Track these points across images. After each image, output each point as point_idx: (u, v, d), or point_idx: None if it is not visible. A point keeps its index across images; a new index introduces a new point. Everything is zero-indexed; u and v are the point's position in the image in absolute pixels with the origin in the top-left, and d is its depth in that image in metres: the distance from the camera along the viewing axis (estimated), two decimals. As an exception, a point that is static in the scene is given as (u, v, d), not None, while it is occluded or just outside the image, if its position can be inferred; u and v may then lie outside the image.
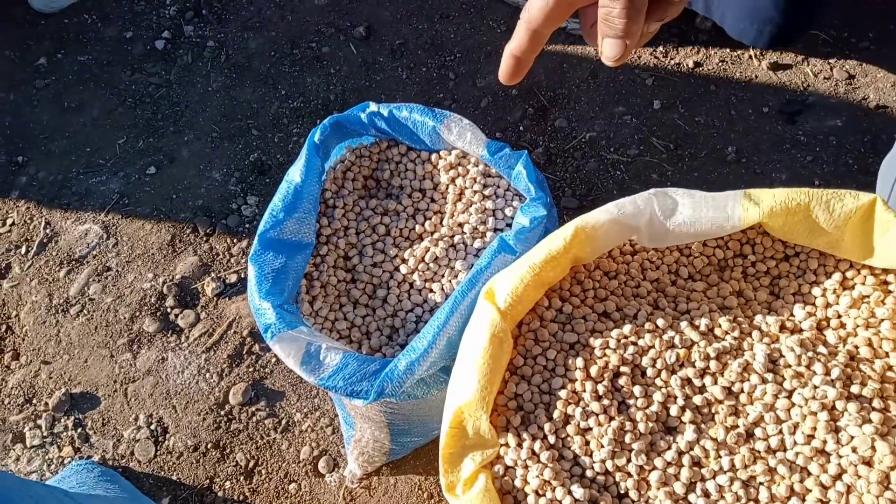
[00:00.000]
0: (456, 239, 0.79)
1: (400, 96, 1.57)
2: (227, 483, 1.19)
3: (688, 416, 0.57)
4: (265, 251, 0.74)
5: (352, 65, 1.64)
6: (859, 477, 0.51)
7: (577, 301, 0.63)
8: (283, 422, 1.23)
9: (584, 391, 0.58)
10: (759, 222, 0.59)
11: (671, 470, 0.55)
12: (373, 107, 0.84)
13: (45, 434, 1.28)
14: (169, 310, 1.37)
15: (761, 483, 0.54)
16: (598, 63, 1.58)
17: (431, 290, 0.78)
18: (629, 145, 1.47)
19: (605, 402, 0.57)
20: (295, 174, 0.79)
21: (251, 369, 1.29)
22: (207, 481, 1.20)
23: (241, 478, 1.19)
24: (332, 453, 1.19)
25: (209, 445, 1.22)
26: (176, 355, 1.33)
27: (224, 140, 1.57)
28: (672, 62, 1.55)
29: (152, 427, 1.27)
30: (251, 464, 1.20)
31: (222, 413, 1.25)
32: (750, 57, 1.54)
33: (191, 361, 1.31)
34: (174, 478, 1.22)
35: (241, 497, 1.18)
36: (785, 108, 1.47)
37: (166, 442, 1.25)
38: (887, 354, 0.58)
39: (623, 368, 0.58)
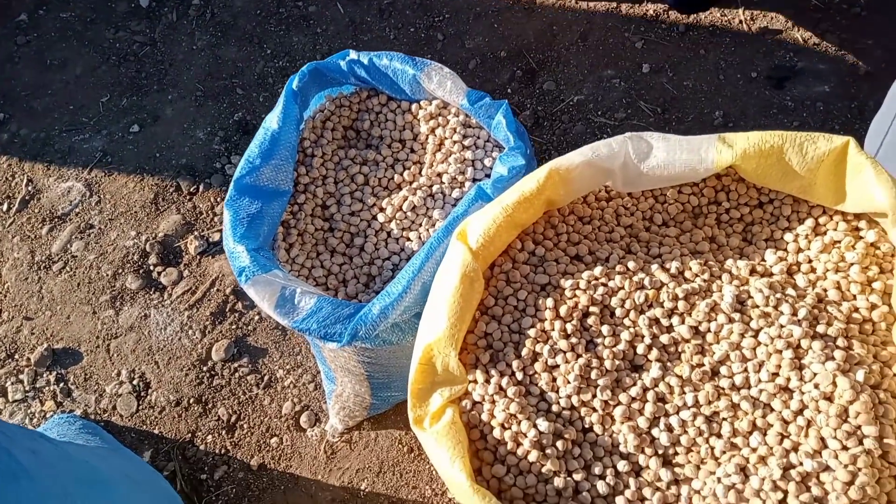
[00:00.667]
0: (434, 188, 0.79)
1: (387, 57, 1.55)
2: (209, 437, 1.20)
3: (654, 354, 0.57)
4: (241, 196, 0.74)
5: (339, 24, 1.62)
6: (820, 412, 0.52)
7: (550, 244, 0.63)
8: (266, 378, 1.24)
9: (553, 330, 0.58)
10: (732, 166, 0.59)
11: (635, 405, 0.56)
12: (353, 54, 0.83)
13: (27, 388, 1.28)
14: (152, 267, 1.37)
15: (724, 418, 0.55)
16: (587, 25, 1.56)
17: (409, 239, 0.78)
18: (617, 109, 1.46)
19: (573, 340, 0.58)
20: (272, 121, 0.78)
21: (234, 326, 1.29)
22: (189, 435, 1.21)
23: (223, 432, 1.20)
24: (314, 408, 1.20)
25: (191, 400, 1.23)
26: (159, 312, 1.33)
27: (208, 99, 1.55)
28: (662, 26, 1.54)
29: (135, 382, 1.27)
30: (233, 418, 1.21)
31: (205, 369, 1.26)
32: (740, 21, 1.52)
33: (173, 318, 1.31)
34: (156, 432, 1.22)
35: (223, 450, 1.19)
36: (773, 73, 1.46)
37: (148, 397, 1.25)
38: (854, 297, 0.58)
39: (592, 308, 0.59)
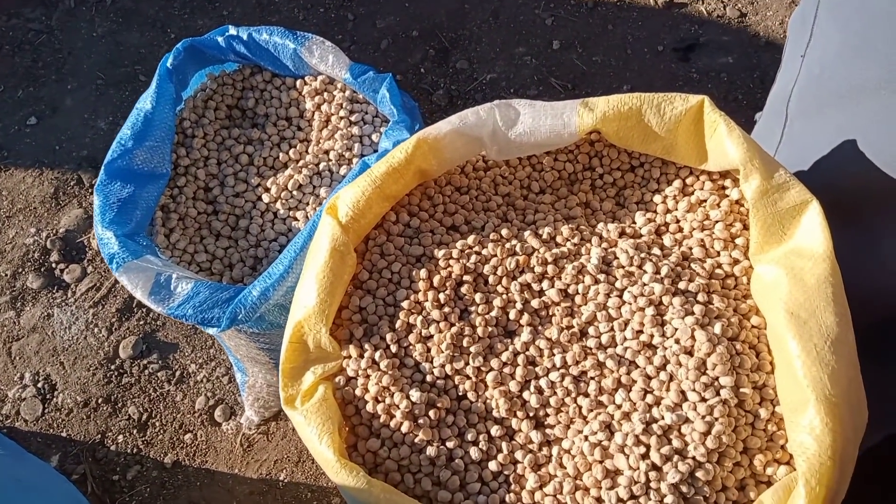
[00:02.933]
0: (321, 166, 0.77)
1: (297, 39, 1.52)
2: (120, 437, 1.16)
3: (525, 319, 0.57)
4: (112, 181, 0.71)
5: (245, 6, 1.57)
6: (680, 366, 0.53)
7: (425, 215, 0.63)
8: (177, 373, 1.20)
9: (427, 301, 0.58)
10: (595, 128, 0.59)
11: (507, 370, 0.56)
12: (232, 30, 0.80)
13: (-79, 398, 1.21)
14: (54, 265, 1.31)
15: (591, 377, 0.55)
16: (499, 3, 1.56)
17: (296, 219, 0.76)
18: (529, 86, 1.47)
19: (447, 309, 0.57)
20: (145, 102, 0.75)
21: (142, 322, 1.25)
22: (99, 436, 1.16)
23: (135, 431, 1.16)
24: (229, 402, 1.18)
25: (100, 400, 1.18)
26: (62, 311, 1.27)
27: (110, 87, 1.49)
28: (571, 2, 1.55)
29: (39, 385, 1.21)
30: (144, 416, 1.17)
31: (113, 367, 1.21)
32: (646, -4, 1.55)
33: (78, 317, 1.26)
34: (64, 434, 1.17)
35: (135, 450, 1.15)
36: (679, 46, 1.49)
37: (54, 399, 1.20)
38: (718, 254, 0.60)
39: (466, 277, 0.59)
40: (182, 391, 1.19)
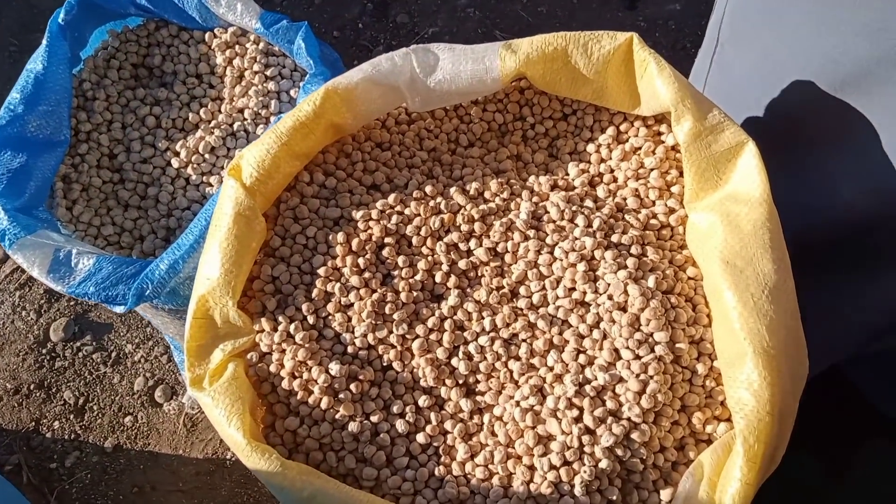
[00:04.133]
0: (235, 126, 0.71)
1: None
2: (56, 423, 1.10)
3: (452, 281, 0.54)
4: (1, 150, 0.64)
5: (169, -38, 1.46)
6: (613, 322, 0.50)
7: (343, 174, 0.58)
8: (113, 355, 1.14)
9: (345, 266, 0.53)
10: (519, 73, 0.55)
11: (434, 336, 0.52)
12: (132, -19, 0.73)
13: None
14: (-27, 247, 1.22)
15: (523, 340, 0.52)
16: (438, -48, 1.48)
17: (210, 185, 0.70)
18: (472, 39, 1.40)
19: (367, 275, 0.53)
20: (36, 62, 0.68)
21: (73, 303, 1.18)
22: (33, 424, 1.10)
23: (72, 416, 1.11)
24: (170, 381, 1.13)
25: (32, 386, 1.12)
26: (-15, 296, 1.19)
27: (24, 54, 1.38)
28: (514, -51, 1.48)
29: (-35, 375, 1.14)
30: (81, 401, 1.12)
31: (44, 352, 1.15)
32: (591, -59, 1.49)
33: (3, 300, 1.19)
34: (-6, 425, 1.11)
35: (73, 435, 1.10)
36: (626, -6, 1.44)
37: (-18, 389, 1.13)
38: (653, 203, 0.57)
39: (387, 239, 0.54)
40: (119, 373, 1.14)
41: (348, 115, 0.56)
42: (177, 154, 0.71)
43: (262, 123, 0.72)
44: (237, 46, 0.74)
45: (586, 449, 0.47)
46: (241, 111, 0.73)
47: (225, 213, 0.52)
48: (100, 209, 0.70)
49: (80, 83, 0.73)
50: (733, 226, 0.49)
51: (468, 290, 0.54)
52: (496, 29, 1.42)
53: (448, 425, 0.51)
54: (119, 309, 0.61)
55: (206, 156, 0.70)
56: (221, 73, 0.74)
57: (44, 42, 0.69)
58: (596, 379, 0.49)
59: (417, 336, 0.52)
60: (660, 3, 1.46)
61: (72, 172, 0.70)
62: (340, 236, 0.54)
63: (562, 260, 0.53)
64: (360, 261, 0.53)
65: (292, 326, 0.51)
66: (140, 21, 0.77)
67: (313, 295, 0.53)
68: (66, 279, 0.60)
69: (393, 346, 0.52)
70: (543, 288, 0.53)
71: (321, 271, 0.53)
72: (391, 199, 0.55)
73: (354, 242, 0.54)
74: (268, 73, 0.73)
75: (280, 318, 0.52)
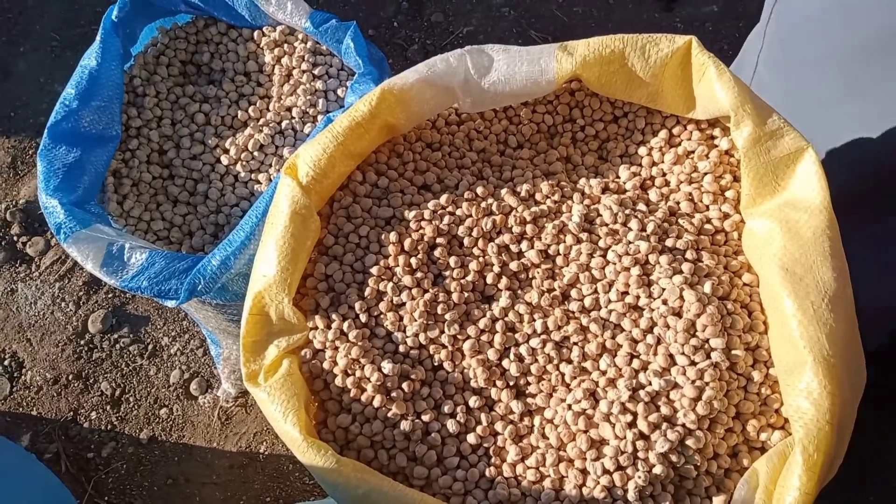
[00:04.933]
0: (284, 124, 0.72)
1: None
2: (93, 413, 1.12)
3: (504, 282, 0.54)
4: (56, 145, 0.65)
5: (207, -40, 1.48)
6: (668, 328, 0.50)
7: (394, 174, 0.58)
8: (150, 347, 1.16)
9: (397, 266, 0.54)
10: (574, 75, 0.55)
11: (485, 338, 0.52)
12: (183, -21, 0.74)
13: None
14: (15, 238, 1.25)
15: (574, 343, 0.52)
16: (474, -49, 1.48)
17: (258, 182, 0.71)
18: (507, 39, 1.40)
19: (419, 275, 0.53)
20: (90, 58, 0.69)
21: (110, 295, 1.20)
22: (71, 413, 1.12)
23: (108, 407, 1.13)
24: (205, 374, 1.14)
25: (70, 377, 1.14)
26: (27, 286, 1.22)
27: (66, 49, 1.41)
28: (551, -51, 1.48)
29: (6, 363, 1.17)
30: (117, 392, 1.13)
31: (82, 343, 1.17)
32: (629, -58, 1.48)
33: (44, 291, 1.21)
34: (34, 413, 1.14)
35: (109, 426, 1.11)
36: (663, -5, 1.43)
37: (23, 377, 1.16)
38: (707, 208, 0.56)
39: (439, 240, 0.54)
40: (156, 365, 1.15)
41: (402, 115, 0.56)
42: (226, 151, 0.72)
43: (310, 122, 0.73)
44: (285, 45, 0.75)
45: (640, 454, 0.47)
46: (289, 109, 0.73)
47: (281, 211, 0.52)
48: (150, 204, 0.71)
49: (131, 79, 0.74)
50: (793, 233, 0.48)
51: (519, 291, 0.54)
52: (531, 29, 1.42)
53: (499, 426, 0.51)
54: (171, 303, 0.62)
55: (255, 153, 0.71)
56: (270, 72, 0.75)
57: (97, 38, 0.70)
58: (650, 384, 0.49)
59: (469, 337, 0.52)
60: (697, 3, 1.44)
61: (122, 168, 0.71)
62: (393, 236, 0.54)
63: (615, 263, 0.53)
64: (413, 260, 0.54)
65: (345, 324, 0.52)
66: (189, 18, 0.78)
67: (366, 294, 0.53)
68: (120, 273, 0.61)
69: (444, 347, 0.52)
70: (595, 291, 0.53)
71: (374, 270, 0.54)
72: (443, 199, 0.56)
73: (407, 242, 0.54)
74: (315, 71, 0.73)
75: (333, 316, 0.52)
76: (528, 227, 0.54)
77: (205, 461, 1.09)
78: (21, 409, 1.15)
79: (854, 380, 0.46)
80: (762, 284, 0.51)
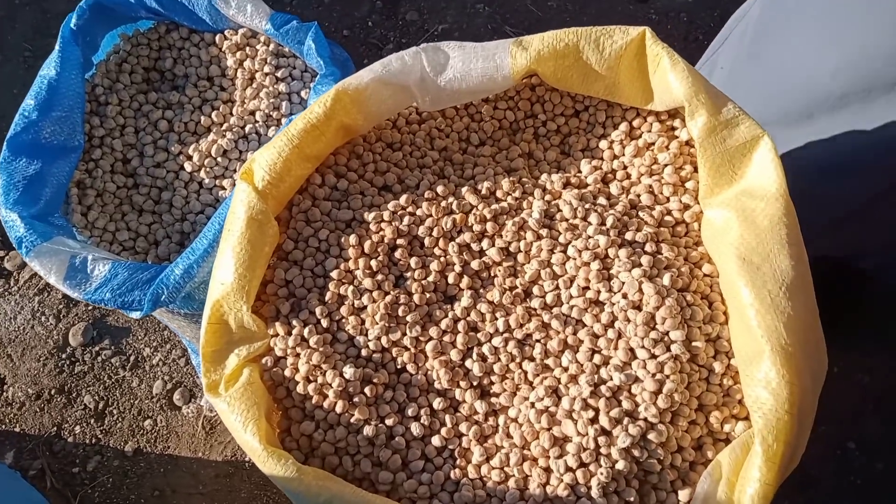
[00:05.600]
0: (247, 128, 0.72)
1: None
2: (77, 427, 1.12)
3: (465, 282, 0.53)
4: (16, 157, 0.65)
5: (179, -34, 1.47)
6: (629, 321, 0.50)
7: (354, 176, 0.58)
8: (132, 358, 1.15)
9: (358, 269, 0.53)
10: (530, 70, 0.54)
11: (447, 338, 0.52)
12: (142, -15, 0.73)
13: None
14: (-7, 253, 1.24)
15: (537, 340, 0.52)
16: (446, -51, 1.47)
17: (222, 188, 0.71)
18: (482, 35, 1.40)
19: (380, 277, 0.53)
20: (49, 68, 0.68)
21: (91, 308, 1.19)
22: (55, 428, 1.12)
23: (92, 420, 1.12)
24: (188, 384, 1.13)
25: (53, 391, 1.14)
26: (6, 301, 1.21)
27: (39, 60, 1.39)
28: (523, -56, 1.47)
29: (-13, 380, 1.16)
30: (101, 405, 1.13)
31: (64, 356, 1.16)
32: (601, -66, 1.47)
33: (23, 306, 1.20)
34: (17, 430, 1.13)
35: (94, 440, 1.11)
36: (637, -14, 1.43)
37: (4, 393, 1.15)
38: (668, 199, 0.56)
39: (399, 241, 0.54)
40: (138, 376, 1.15)
41: (359, 116, 0.56)
42: (189, 158, 0.72)
43: (274, 125, 0.72)
44: (248, 48, 0.74)
45: (602, 450, 0.47)
46: (252, 113, 0.73)
47: (238, 217, 0.52)
48: (114, 214, 0.71)
49: (93, 88, 0.73)
50: (749, 221, 0.48)
51: (481, 290, 0.54)
52: (506, 24, 1.41)
53: (463, 428, 0.51)
54: (135, 314, 0.61)
55: (219, 159, 0.70)
56: (232, 76, 0.74)
57: (56, 47, 0.69)
58: (611, 379, 0.49)
59: (431, 338, 0.52)
60: (671, -6, 1.44)
61: (86, 178, 0.70)
62: (353, 238, 0.54)
63: (575, 259, 0.52)
64: (373, 263, 0.53)
65: (306, 330, 0.51)
66: (151, 24, 0.77)
67: (327, 298, 0.53)
68: (83, 286, 0.60)
69: (406, 349, 0.52)
70: (557, 287, 0.53)
71: (334, 274, 0.53)
72: (403, 199, 0.55)
73: (367, 244, 0.54)
74: (278, 74, 0.73)
75: (294, 322, 0.52)
76: (489, 225, 0.54)
77: (191, 471, 1.09)
78: (3, 427, 1.14)
79: (814, 367, 0.46)
80: (721, 275, 0.51)
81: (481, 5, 1.43)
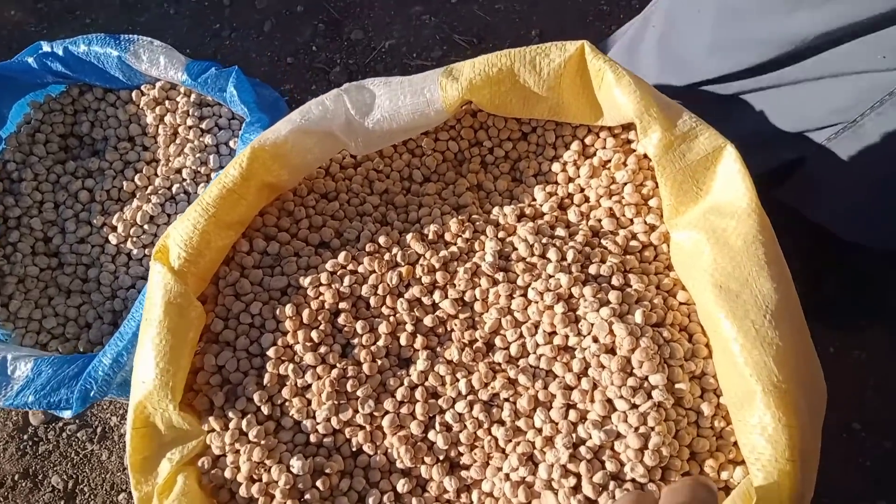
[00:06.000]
0: (175, 188, 0.66)
1: (171, 35, 1.37)
2: (48, 512, 1.05)
3: (419, 341, 0.48)
4: (-83, 255, 0.58)
5: (109, 10, 1.41)
6: (603, 368, 0.45)
7: (286, 237, 0.52)
8: (99, 430, 1.09)
9: (297, 342, 0.47)
10: (462, 100, 0.49)
11: (405, 409, 0.46)
12: (45, 47, 0.67)
13: None
14: (-59, 336, 1.17)
15: (505, 399, 0.46)
16: (384, -39, 1.42)
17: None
18: (432, 47, 1.35)
19: (323, 349, 0.47)
20: (-53, 150, 0.62)
21: (49, 381, 1.12)
22: (24, 516, 1.05)
23: (62, 502, 1.05)
24: (161, 450, 1.07)
25: (17, 477, 1.07)
26: (-41, 386, 1.14)
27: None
28: (462, -53, 1.42)
29: (-53, 473, 1.09)
30: (70, 484, 1.06)
31: (25, 437, 1.09)
32: (541, -72, 1.42)
33: (-22, 389, 1.13)
34: (-17, 523, 1.06)
35: (67, 523, 1.04)
36: (584, -23, 1.38)
37: (-34, 485, 1.08)
38: (631, 221, 0.51)
39: (342, 304, 0.49)
40: (107, 448, 1.08)
41: (282, 171, 0.50)
42: (114, 229, 0.66)
43: (203, 181, 0.66)
44: (167, 102, 0.68)
45: (590, 521, 0.42)
46: (178, 171, 0.67)
47: (154, 304, 0.46)
48: (39, 300, 0.64)
49: (4, 164, 0.67)
50: (721, 243, 0.43)
51: (438, 349, 0.48)
52: (454, 33, 1.36)
53: (434, 508, 0.45)
54: (66, 414, 0.55)
55: (146, 226, 0.64)
56: (154, 133, 0.69)
57: (-46, 127, 0.63)
58: (591, 438, 0.43)
59: (387, 412, 0.46)
60: (621, -18, 1.39)
61: (4, 265, 0.64)
62: (289, 309, 0.48)
63: (537, 302, 0.47)
64: (314, 334, 0.48)
65: (244, 422, 0.46)
66: (62, 88, 0.71)
67: (265, 381, 0.47)
68: (3, 390, 0.54)
69: (361, 427, 0.46)
70: (521, 336, 0.47)
71: (271, 352, 0.47)
72: (341, 258, 0.50)
73: (305, 314, 0.48)
74: (203, 126, 0.67)
75: (230, 414, 0.46)
76: (439, 275, 0.49)
77: (173, 543, 1.02)
78: (-31, 520, 1.07)
79: (813, 400, 0.41)
80: (698, 304, 0.46)
81: (427, 16, 1.37)
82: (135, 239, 0.65)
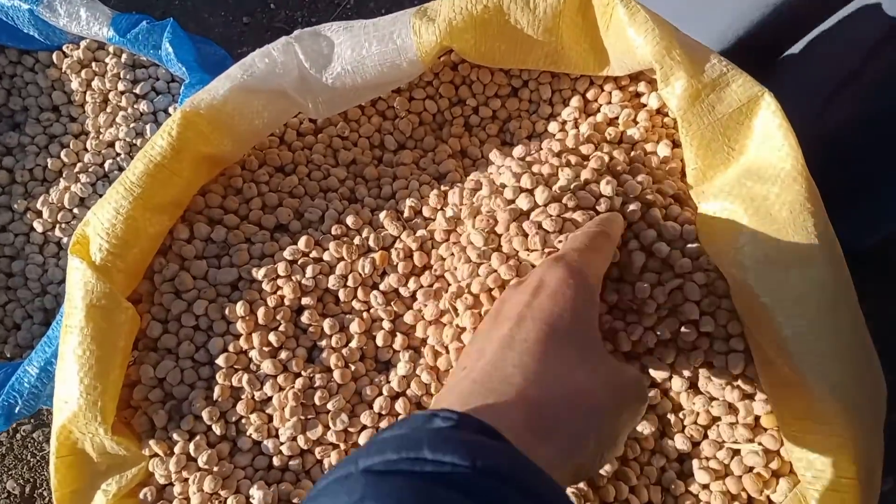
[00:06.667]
0: (108, 165, 0.56)
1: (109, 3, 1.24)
2: (4, 520, 0.97)
3: (399, 341, 0.40)
4: None
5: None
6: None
7: (234, 219, 0.43)
8: (55, 430, 1.00)
9: (253, 348, 0.39)
10: (444, 47, 0.40)
11: (385, 423, 0.39)
12: (-59, 2, 0.56)
13: None
14: None
15: (504, 410, 0.39)
16: None
17: (87, 246, 0.56)
18: (405, 1, 1.24)
19: (284, 355, 0.39)
20: None
21: (-2, 379, 1.03)
22: (-23, 526, 0.97)
23: (19, 509, 0.97)
24: (125, 448, 0.99)
25: (-33, 484, 0.98)
26: None
27: None
28: None
29: None
30: (27, 488, 0.98)
31: (-25, 442, 1.00)
32: None
33: (-81, 390, 1.03)
34: (-67, 536, 0.98)
35: (25, 531, 0.96)
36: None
37: (-88, 496, 0.99)
38: (646, 190, 0.43)
39: (305, 300, 0.40)
40: (66, 449, 1.00)
41: (223, 140, 0.41)
42: (39, 214, 0.56)
43: (140, 157, 0.57)
44: (94, 64, 0.58)
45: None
46: (111, 144, 0.57)
47: (74, 307, 0.37)
48: (-44, 301, 0.55)
49: None
50: (762, 214, 0.35)
51: (423, 348, 0.41)
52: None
53: (423, 539, 0.38)
54: (-17, 436, 0.47)
55: (76, 210, 0.55)
56: (81, 101, 0.59)
57: None
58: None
59: (364, 427, 0.39)
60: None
61: (-89, 263, 0.55)
62: (241, 307, 0.40)
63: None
64: (272, 336, 0.39)
65: (192, 445, 0.38)
66: (-31, 52, 0.61)
67: (216, 395, 0.39)
68: None
69: (334, 447, 0.39)
70: (520, 332, 0.40)
71: (221, 360, 0.39)
72: (302, 243, 0.41)
73: (261, 312, 0.40)
74: (137, 90, 0.57)
75: (175, 436, 0.38)
76: (417, 256, 0.40)
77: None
78: (-83, 533, 0.99)
79: (873, 394, 0.34)
80: (733, 288, 0.38)
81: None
82: (63, 225, 0.56)
